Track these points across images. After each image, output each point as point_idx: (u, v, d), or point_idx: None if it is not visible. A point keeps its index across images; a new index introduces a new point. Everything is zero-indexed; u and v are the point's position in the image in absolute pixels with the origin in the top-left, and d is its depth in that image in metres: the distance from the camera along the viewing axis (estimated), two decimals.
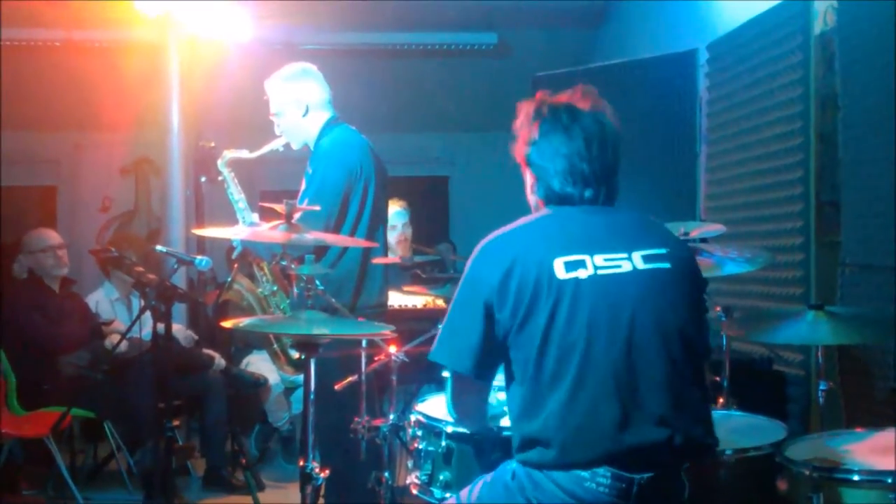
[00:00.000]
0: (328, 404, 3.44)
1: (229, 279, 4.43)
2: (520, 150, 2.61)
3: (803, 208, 4.83)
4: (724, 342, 3.75)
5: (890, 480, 2.61)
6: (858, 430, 3.18)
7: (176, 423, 5.54)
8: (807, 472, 2.72)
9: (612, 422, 2.30)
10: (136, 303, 6.11)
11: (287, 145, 4.32)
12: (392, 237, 5.87)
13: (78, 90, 8.26)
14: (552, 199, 2.55)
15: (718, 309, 3.74)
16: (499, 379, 2.56)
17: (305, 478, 3.18)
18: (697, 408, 2.43)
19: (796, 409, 4.85)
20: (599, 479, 2.30)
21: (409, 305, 5.39)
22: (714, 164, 5.95)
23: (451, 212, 9.92)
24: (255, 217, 4.34)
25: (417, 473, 3.08)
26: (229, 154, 4.38)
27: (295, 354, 4.20)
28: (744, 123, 5.47)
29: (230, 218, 4.42)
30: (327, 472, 3.19)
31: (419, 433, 3.11)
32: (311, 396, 3.23)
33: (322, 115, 4.28)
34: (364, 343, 3.47)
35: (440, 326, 2.55)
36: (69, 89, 8.30)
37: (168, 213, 7.64)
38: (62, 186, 9.89)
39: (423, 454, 3.08)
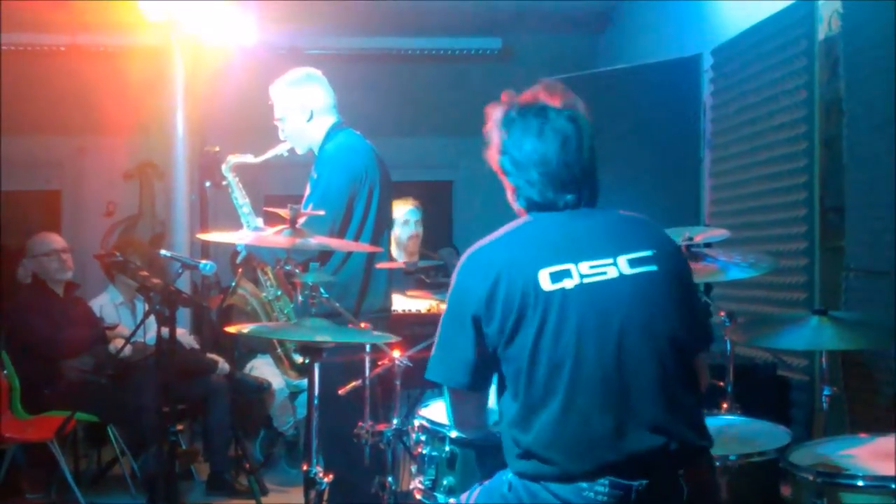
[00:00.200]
0: (332, 409, 3.45)
1: (233, 284, 4.44)
2: (493, 158, 2.57)
3: (807, 213, 4.83)
4: (728, 347, 3.74)
5: (893, 486, 2.60)
6: (862, 435, 3.18)
7: (179, 427, 5.54)
8: (810, 478, 2.72)
9: (607, 432, 2.29)
10: (141, 307, 6.11)
11: (292, 150, 4.33)
12: (405, 233, 5.97)
13: (82, 94, 8.26)
14: (533, 206, 2.52)
15: (722, 314, 3.74)
16: None
17: (309, 482, 3.19)
18: (691, 411, 2.42)
19: (800, 414, 4.84)
20: (598, 487, 2.28)
21: (413, 310, 5.39)
22: (718, 169, 5.94)
23: (455, 216, 9.92)
24: (260, 222, 4.35)
25: (421, 478, 3.08)
26: (234, 159, 4.39)
27: (299, 359, 4.21)
28: (748, 128, 5.47)
29: (234, 223, 4.43)
30: (331, 476, 3.20)
31: (423, 438, 3.11)
32: (315, 401, 3.24)
33: (327, 120, 4.28)
34: (368, 348, 3.47)
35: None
36: (73, 93, 8.30)
37: (172, 217, 7.64)
38: (66, 190, 9.89)
39: (426, 459, 3.07)
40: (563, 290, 2.33)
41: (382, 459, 3.44)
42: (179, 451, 5.20)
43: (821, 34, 4.77)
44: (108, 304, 6.19)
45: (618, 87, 6.73)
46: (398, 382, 3.49)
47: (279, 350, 4.30)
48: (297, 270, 3.94)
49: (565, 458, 2.30)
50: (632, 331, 2.34)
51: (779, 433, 3.23)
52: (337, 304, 3.60)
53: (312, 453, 3.21)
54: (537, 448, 2.33)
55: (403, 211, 5.98)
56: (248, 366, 6.64)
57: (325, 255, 4.06)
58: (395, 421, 3.41)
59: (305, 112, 4.24)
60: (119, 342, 5.64)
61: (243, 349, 6.74)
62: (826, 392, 3.41)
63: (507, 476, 2.46)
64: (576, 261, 2.37)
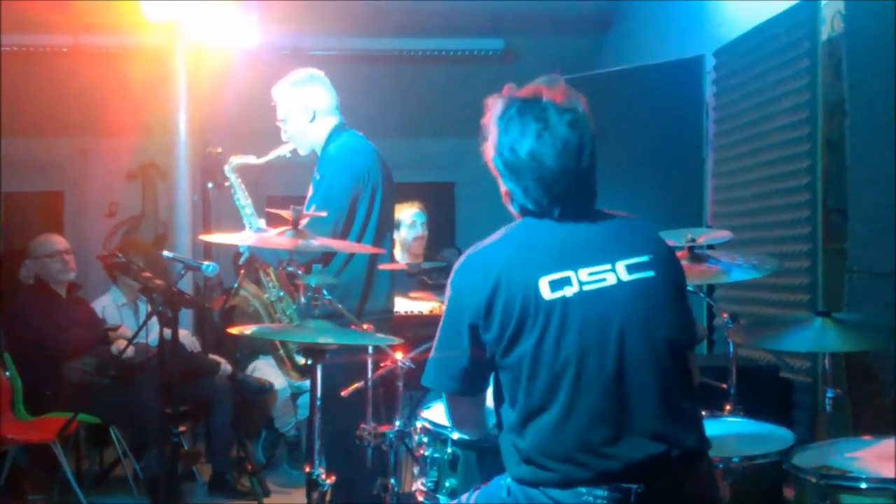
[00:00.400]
0: (334, 410, 3.45)
1: (236, 285, 4.44)
2: (488, 154, 2.50)
3: (810, 215, 4.83)
4: (731, 349, 3.74)
5: None
6: (866, 437, 3.17)
7: (182, 428, 5.55)
8: (814, 480, 2.71)
9: (607, 440, 2.28)
10: (143, 308, 6.12)
11: (294, 151, 4.33)
12: (411, 235, 6.00)
13: (85, 95, 8.27)
14: (529, 211, 2.47)
15: (725, 315, 3.73)
16: None
17: (311, 484, 3.19)
18: (690, 415, 2.41)
19: (803, 416, 4.84)
20: (597, 492, 2.28)
21: (416, 311, 5.39)
22: (721, 170, 5.94)
23: (457, 217, 9.92)
24: (262, 223, 4.35)
25: (423, 480, 3.08)
26: (236, 160, 4.39)
27: (301, 360, 4.21)
28: (750, 129, 5.46)
29: (237, 224, 4.43)
30: (333, 478, 3.20)
31: (425, 440, 3.12)
32: (318, 402, 3.24)
33: (329, 121, 4.28)
34: (370, 349, 3.46)
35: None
36: (76, 94, 8.31)
37: (175, 218, 7.65)
38: (69, 191, 9.90)
39: (428, 461, 3.08)
40: (563, 298, 2.31)
41: (385, 461, 3.44)
42: (182, 452, 5.20)
43: (824, 35, 4.77)
44: (110, 306, 6.19)
45: (620, 88, 6.72)
46: (400, 384, 3.49)
47: (281, 351, 4.29)
48: (299, 272, 3.94)
49: (565, 466, 2.29)
50: (632, 338, 2.32)
51: (782, 435, 3.23)
52: (339, 306, 3.59)
53: (315, 455, 3.21)
54: (536, 455, 2.32)
55: (409, 213, 6.00)
56: (251, 367, 6.64)
57: (327, 257, 4.06)
58: (397, 422, 3.41)
59: (308, 113, 4.23)
60: (121, 343, 5.64)
61: (245, 350, 6.74)
62: (829, 394, 3.40)
63: (505, 481, 2.45)
64: (575, 268, 2.35)
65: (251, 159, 4.37)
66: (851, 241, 4.46)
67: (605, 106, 6.55)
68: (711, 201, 6.10)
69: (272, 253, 4.11)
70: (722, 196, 5.92)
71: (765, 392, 4.65)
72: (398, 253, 6.17)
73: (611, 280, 2.36)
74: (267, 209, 4.08)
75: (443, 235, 6.98)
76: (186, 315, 7.11)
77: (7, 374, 5.57)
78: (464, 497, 2.66)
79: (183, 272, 4.64)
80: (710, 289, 5.44)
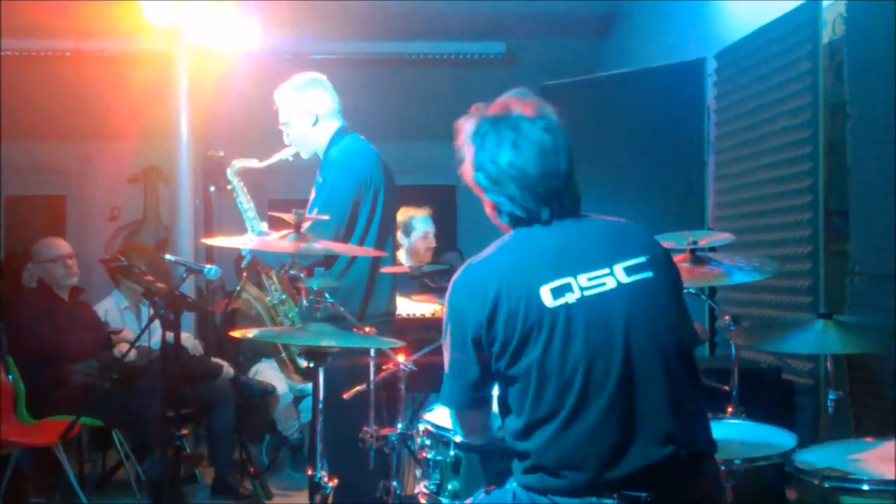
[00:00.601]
0: (336, 413, 3.45)
1: (238, 288, 4.44)
2: (467, 174, 2.50)
3: (812, 217, 4.83)
4: (733, 351, 3.74)
5: None
6: (868, 439, 3.17)
7: (184, 431, 5.54)
8: (816, 482, 2.71)
9: (617, 446, 2.28)
10: (145, 311, 6.12)
11: (296, 154, 4.33)
12: (423, 243, 6.17)
13: (87, 100, 8.29)
14: (518, 221, 2.46)
15: (727, 318, 3.73)
16: None
17: (314, 486, 3.19)
18: (697, 416, 2.41)
19: (805, 418, 4.84)
20: (607, 501, 2.28)
21: (418, 314, 5.40)
22: (722, 172, 5.94)
23: (459, 221, 9.93)
24: (264, 226, 4.36)
25: (426, 483, 3.08)
26: (238, 163, 4.39)
27: (303, 363, 4.21)
28: (752, 132, 5.46)
29: (239, 227, 4.43)
30: (335, 480, 3.20)
31: (427, 442, 3.11)
32: (320, 405, 3.24)
33: (332, 125, 4.28)
34: (372, 352, 3.47)
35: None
36: (78, 99, 8.33)
37: (177, 222, 7.65)
38: (71, 196, 9.92)
39: (431, 463, 3.08)
40: (566, 304, 2.31)
41: (387, 464, 3.44)
42: (184, 455, 5.21)
43: (825, 38, 4.77)
44: (112, 309, 6.19)
45: (621, 91, 6.73)
46: (403, 386, 3.49)
47: (283, 354, 4.29)
48: (301, 275, 3.95)
49: (574, 473, 2.29)
50: (637, 340, 2.32)
51: (784, 437, 3.23)
52: (342, 309, 3.60)
53: (317, 457, 3.21)
54: (545, 462, 2.32)
55: (422, 220, 6.09)
56: (253, 370, 6.64)
57: (329, 260, 4.07)
58: (399, 425, 3.42)
59: (311, 117, 4.24)
60: (124, 346, 5.65)
61: (248, 353, 6.74)
62: (831, 396, 3.40)
63: (511, 486, 2.46)
64: (574, 274, 2.35)
65: (253, 163, 4.37)
66: (853, 244, 4.46)
67: (606, 109, 6.64)
68: (713, 204, 6.10)
69: (274, 256, 4.11)
70: (723, 198, 5.92)
71: (767, 394, 4.66)
72: (404, 256, 6.19)
73: (610, 284, 2.36)
74: (269, 213, 4.09)
75: (444, 238, 6.97)
76: (188, 318, 7.12)
77: (10, 377, 5.57)
78: (468, 501, 2.66)
79: (185, 275, 4.64)
80: (712, 291, 5.44)
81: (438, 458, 3.05)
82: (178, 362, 4.57)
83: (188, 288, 6.81)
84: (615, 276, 2.37)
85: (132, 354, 5.52)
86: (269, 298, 4.34)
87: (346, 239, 4.04)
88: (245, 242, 4.07)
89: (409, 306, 5.27)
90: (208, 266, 4.56)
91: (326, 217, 3.79)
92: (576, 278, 2.34)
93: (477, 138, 2.46)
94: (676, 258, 3.40)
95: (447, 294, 2.46)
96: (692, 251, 3.59)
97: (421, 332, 4.62)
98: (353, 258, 4.10)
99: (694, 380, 2.43)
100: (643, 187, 6.27)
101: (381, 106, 7.88)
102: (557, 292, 2.32)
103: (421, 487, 3.11)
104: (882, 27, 4.19)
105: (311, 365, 3.22)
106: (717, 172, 6.04)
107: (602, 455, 2.28)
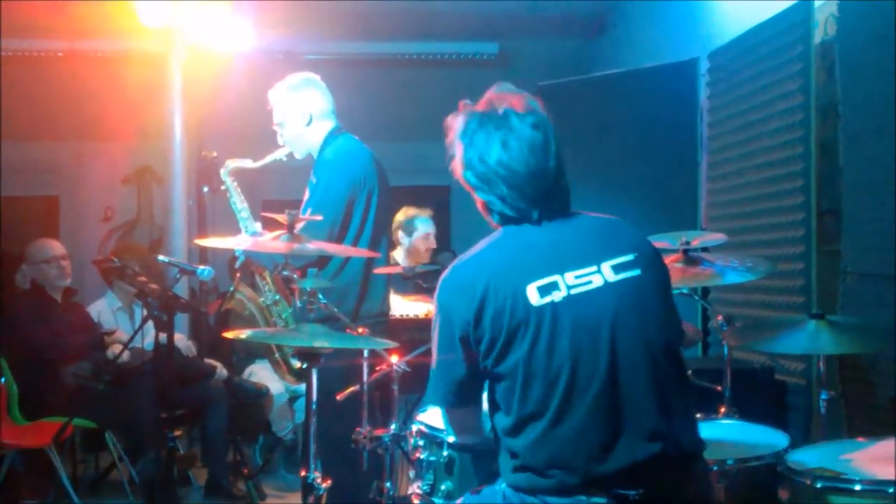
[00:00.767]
0: (330, 414, 3.45)
1: (231, 288, 4.44)
2: (458, 172, 2.49)
3: (804, 217, 4.84)
4: (726, 351, 3.74)
5: (891, 490, 2.60)
6: (860, 439, 3.17)
7: (177, 432, 5.54)
8: (808, 482, 2.72)
9: (605, 444, 2.28)
10: (139, 312, 6.11)
11: (290, 155, 4.33)
12: (423, 244, 6.23)
13: (80, 100, 8.28)
14: (506, 220, 2.46)
15: (720, 318, 3.73)
16: None
17: (307, 488, 3.19)
18: (685, 413, 2.41)
19: (798, 418, 4.84)
20: (596, 499, 2.28)
21: (411, 315, 5.40)
22: (715, 173, 5.95)
23: (452, 221, 9.92)
24: (258, 226, 4.35)
25: (419, 484, 3.08)
26: (232, 163, 4.39)
27: (297, 364, 4.21)
28: (745, 132, 5.47)
29: (232, 228, 4.43)
30: (329, 482, 3.20)
31: (421, 443, 3.12)
32: (313, 406, 3.24)
33: (325, 125, 4.28)
34: (366, 353, 3.47)
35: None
36: (72, 99, 8.32)
37: (170, 222, 7.65)
38: (64, 196, 9.90)
39: (424, 464, 3.08)
40: (552, 303, 2.31)
41: (380, 464, 3.44)
42: (177, 457, 5.21)
43: (817, 38, 4.78)
44: (106, 310, 6.18)
45: (615, 91, 6.74)
46: (396, 387, 3.50)
47: (277, 355, 4.29)
48: (294, 276, 3.95)
49: (563, 472, 2.29)
50: (624, 338, 2.32)
51: (776, 437, 3.23)
52: (335, 310, 3.60)
53: (310, 459, 3.21)
54: (534, 461, 2.32)
55: (424, 221, 6.13)
56: (247, 371, 6.64)
57: (323, 260, 4.06)
58: (393, 426, 3.41)
59: (304, 116, 4.24)
60: (117, 348, 5.64)
61: (241, 354, 6.74)
62: (823, 396, 3.41)
63: (500, 486, 2.45)
64: (561, 272, 2.34)
65: (247, 163, 4.37)
66: (845, 243, 4.47)
67: (599, 109, 6.65)
68: (706, 204, 6.11)
69: (268, 256, 4.11)
70: (716, 199, 5.93)
71: (759, 394, 4.66)
72: (403, 255, 6.20)
73: (597, 282, 2.35)
74: (262, 213, 4.09)
75: (438, 239, 6.98)
76: (182, 319, 7.12)
77: (2, 379, 5.56)
78: (458, 501, 2.66)
79: (178, 276, 4.64)
80: (705, 291, 5.45)
81: (432, 458, 3.05)
82: (172, 363, 4.57)
83: (181, 289, 6.81)
84: (602, 274, 2.36)
85: (125, 356, 5.52)
86: (262, 299, 4.34)
87: (339, 239, 4.04)
88: (238, 243, 4.07)
89: (403, 307, 5.28)
90: (201, 267, 4.56)
91: (319, 218, 3.79)
92: (563, 276, 2.34)
93: (466, 136, 2.46)
94: (669, 258, 3.42)
95: (436, 292, 2.46)
96: (685, 251, 3.59)
97: (414, 333, 4.61)
98: (347, 259, 4.10)
99: (681, 379, 2.43)
100: (636, 187, 6.28)
101: (375, 106, 7.87)
102: (544, 290, 2.32)
103: (414, 488, 3.11)
104: (874, 27, 4.20)
105: (304, 366, 3.22)
106: (709, 172, 6.05)
107: (589, 453, 2.28)
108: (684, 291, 3.74)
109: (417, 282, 5.19)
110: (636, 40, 7.84)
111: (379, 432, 3.40)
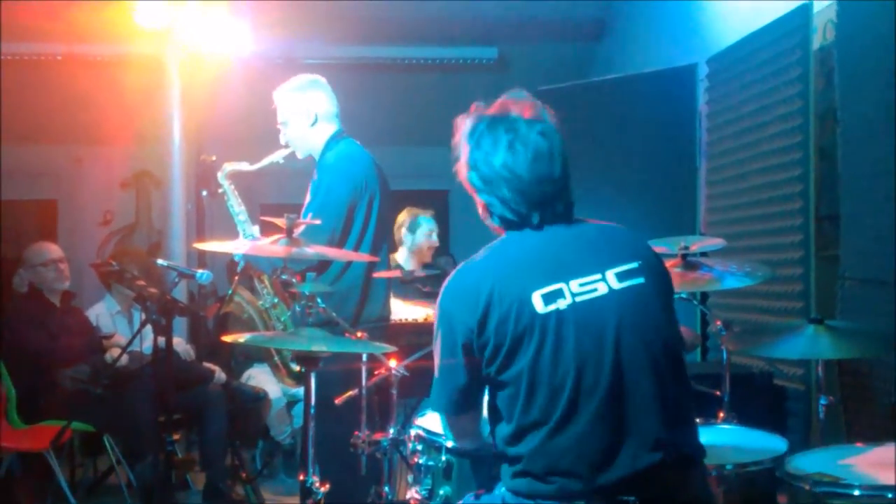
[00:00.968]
0: (328, 418, 3.44)
1: (230, 292, 4.44)
2: (462, 172, 2.50)
3: (803, 222, 4.84)
4: (724, 356, 3.74)
5: (891, 495, 2.60)
6: (859, 444, 3.17)
7: (176, 436, 5.53)
8: (807, 487, 2.71)
9: (607, 452, 2.28)
10: (137, 316, 6.10)
11: (287, 157, 4.32)
12: (427, 242, 6.20)
13: (79, 104, 8.27)
14: (508, 224, 2.47)
15: (719, 323, 3.73)
16: None
17: (305, 492, 3.18)
18: (687, 423, 2.42)
19: (797, 423, 4.85)
20: None
21: (410, 319, 5.39)
22: (714, 178, 5.96)
23: (451, 225, 9.92)
24: (256, 230, 4.35)
25: (417, 488, 3.08)
26: (229, 166, 4.39)
27: (296, 367, 4.21)
28: (743, 138, 5.48)
29: (231, 232, 4.43)
30: (327, 486, 3.19)
31: (419, 448, 3.11)
32: (312, 410, 3.23)
33: (329, 128, 4.28)
34: (364, 357, 3.46)
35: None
36: (70, 103, 8.31)
37: (169, 226, 7.65)
38: (62, 200, 9.89)
39: (423, 469, 3.07)
40: (557, 310, 2.31)
41: (379, 469, 3.43)
42: (175, 461, 5.20)
43: (815, 43, 4.79)
44: (104, 314, 6.17)
45: (614, 96, 6.75)
46: (395, 391, 3.49)
47: (276, 358, 4.29)
48: (293, 280, 3.94)
49: (564, 478, 2.29)
50: (628, 346, 2.32)
51: (775, 442, 3.23)
52: (333, 314, 3.60)
53: (309, 463, 3.20)
54: (534, 467, 2.32)
55: (428, 220, 6.13)
56: (245, 375, 6.63)
57: (324, 264, 4.06)
58: (391, 430, 3.41)
59: (310, 116, 4.23)
60: (115, 351, 5.63)
61: (240, 358, 6.73)
62: (822, 401, 3.40)
63: (500, 491, 2.46)
64: (566, 279, 2.34)
65: (244, 166, 4.36)
66: (844, 249, 4.48)
67: (598, 114, 6.65)
68: (704, 209, 6.11)
69: (266, 260, 4.11)
70: (715, 204, 5.93)
71: (758, 399, 4.66)
72: (406, 254, 6.21)
73: (602, 289, 2.35)
74: (261, 217, 4.09)
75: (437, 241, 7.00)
76: (180, 323, 7.11)
77: (1, 382, 5.56)
78: None
79: (177, 280, 4.64)
80: (704, 296, 5.45)
81: (430, 463, 3.05)
82: (170, 367, 4.56)
83: (180, 293, 6.80)
84: (607, 282, 2.36)
85: (124, 359, 5.50)
86: (261, 302, 4.34)
87: (340, 244, 4.04)
88: (237, 247, 4.07)
89: (402, 311, 5.27)
90: (200, 271, 4.56)
91: (318, 222, 3.79)
92: (567, 284, 2.34)
93: (473, 137, 2.46)
94: (668, 263, 3.40)
95: (438, 298, 2.46)
96: (684, 256, 3.60)
97: (413, 337, 4.60)
98: (348, 263, 4.10)
99: (683, 386, 2.43)
100: (635, 192, 6.29)
101: (373, 110, 7.87)
102: (549, 298, 2.32)
103: (412, 493, 3.11)
104: (872, 33, 4.20)
105: (303, 370, 3.22)
106: (708, 178, 6.05)
107: (591, 461, 2.28)
108: (683, 296, 3.74)
109: (417, 286, 5.20)
110: (635, 45, 7.85)
111: (377, 436, 3.40)
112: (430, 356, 2.56)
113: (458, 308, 2.39)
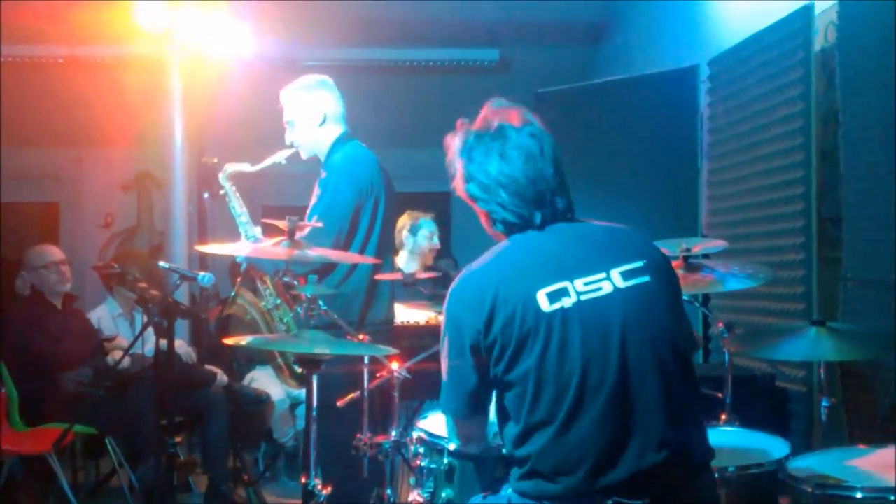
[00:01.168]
0: (331, 421, 3.44)
1: (233, 294, 4.43)
2: (459, 188, 2.52)
3: (805, 224, 4.84)
4: (726, 358, 3.74)
5: (893, 497, 2.60)
6: (861, 446, 3.18)
7: (178, 439, 5.53)
8: (809, 489, 2.72)
9: (613, 451, 2.28)
10: (139, 319, 6.10)
11: (289, 159, 4.31)
12: (428, 244, 6.23)
13: (80, 106, 8.28)
14: (511, 228, 2.48)
15: (721, 325, 3.73)
16: None
17: (307, 495, 3.19)
18: (694, 422, 2.42)
19: (798, 425, 4.84)
20: None
21: (412, 322, 5.39)
22: (715, 179, 5.95)
23: (453, 227, 9.93)
24: (258, 231, 4.34)
25: (419, 491, 3.08)
26: (231, 167, 4.38)
27: (299, 369, 4.20)
28: (745, 139, 5.48)
29: (233, 234, 4.42)
30: (329, 488, 3.20)
31: (421, 450, 3.11)
32: (314, 413, 3.24)
33: (336, 129, 4.28)
34: (366, 359, 3.46)
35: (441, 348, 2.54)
36: (71, 105, 8.32)
37: (170, 228, 7.64)
38: (64, 202, 9.91)
39: (425, 471, 3.07)
40: (562, 309, 2.31)
41: (381, 471, 3.44)
42: (177, 463, 5.20)
43: (817, 45, 4.79)
44: (106, 316, 6.17)
45: (615, 98, 6.75)
46: (397, 394, 3.49)
47: (280, 360, 4.29)
48: (294, 282, 3.94)
49: (569, 478, 2.29)
50: (634, 345, 2.32)
51: (777, 444, 3.23)
52: (335, 316, 3.60)
53: (311, 465, 3.21)
54: (541, 467, 2.32)
55: (429, 223, 6.13)
56: (248, 377, 6.63)
57: (329, 267, 4.05)
58: (393, 433, 3.41)
59: (318, 116, 4.23)
60: (117, 354, 5.63)
61: (242, 360, 6.73)
62: (824, 403, 3.40)
63: (506, 492, 2.46)
64: (570, 278, 2.35)
65: (245, 167, 4.36)
66: (846, 250, 4.47)
67: (599, 116, 6.65)
68: (706, 211, 6.11)
69: (269, 261, 4.10)
70: (717, 205, 5.93)
71: (760, 401, 4.66)
72: (407, 257, 6.21)
73: (607, 288, 2.36)
74: (262, 219, 4.08)
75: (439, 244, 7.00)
76: (182, 325, 7.10)
77: (2, 385, 5.56)
78: None
79: (179, 282, 4.63)
80: (706, 298, 5.44)
81: (432, 465, 3.05)
82: (172, 370, 4.55)
83: (182, 295, 6.80)
84: (612, 281, 2.37)
85: (126, 362, 5.50)
86: (263, 303, 4.34)
87: (346, 246, 4.04)
88: (238, 249, 4.07)
89: (403, 313, 5.27)
90: (202, 273, 4.56)
91: (320, 225, 3.79)
92: (572, 283, 2.34)
93: (464, 152, 2.50)
94: None
95: (445, 303, 2.47)
96: (685, 258, 3.60)
97: (414, 340, 4.62)
98: (354, 266, 4.10)
99: (691, 386, 2.43)
100: (637, 194, 6.28)
101: (374, 112, 7.85)
102: (554, 297, 2.32)
103: (415, 495, 3.11)
104: (874, 34, 4.20)
105: (305, 372, 3.22)
106: (710, 179, 6.05)
107: (596, 460, 2.28)
108: (685, 298, 3.74)
109: (418, 288, 5.19)
110: (636, 47, 7.85)
111: (379, 439, 3.40)
112: (431, 358, 2.56)
113: (465, 311, 2.40)
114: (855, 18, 4.40)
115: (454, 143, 2.53)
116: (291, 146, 4.29)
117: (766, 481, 3.01)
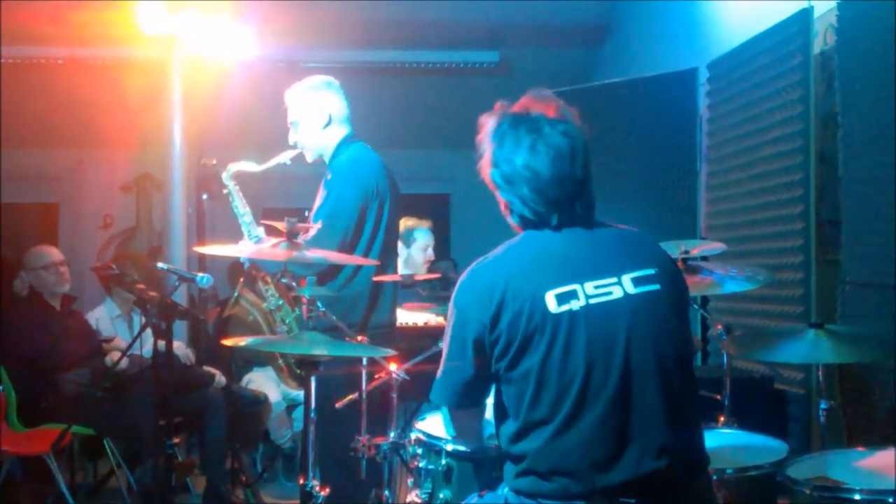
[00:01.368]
0: (329, 422, 3.44)
1: (235, 294, 4.43)
2: (485, 170, 2.51)
3: (804, 227, 4.84)
4: (725, 360, 3.74)
5: (891, 500, 2.60)
6: (859, 448, 3.17)
7: (176, 440, 5.52)
8: (808, 492, 2.71)
9: (611, 454, 2.28)
10: (137, 320, 6.10)
11: (294, 160, 4.30)
12: (421, 255, 6.18)
13: (80, 107, 8.28)
14: (527, 223, 2.47)
15: (719, 327, 3.73)
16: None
17: (305, 496, 3.18)
18: (694, 429, 2.42)
19: (797, 427, 4.84)
20: None
21: (410, 323, 5.39)
22: (714, 182, 5.96)
23: (452, 229, 9.92)
24: (261, 231, 4.33)
25: (417, 492, 3.08)
26: (235, 167, 4.35)
27: (299, 370, 4.20)
28: (744, 142, 5.48)
29: (232, 235, 4.42)
30: (327, 490, 3.19)
31: (419, 451, 3.11)
32: (312, 414, 3.23)
33: (341, 130, 4.26)
34: (365, 361, 3.46)
35: (441, 344, 2.54)
36: (71, 106, 8.32)
37: (169, 230, 7.64)
38: (64, 203, 9.91)
39: (423, 472, 3.07)
40: (570, 311, 2.31)
41: (379, 473, 3.43)
42: (176, 464, 5.18)
43: (816, 48, 4.79)
44: (104, 317, 6.17)
45: (615, 100, 6.75)
46: (395, 395, 3.49)
47: (280, 361, 4.29)
48: (293, 284, 3.94)
49: (566, 479, 2.29)
50: (638, 351, 2.32)
51: (776, 447, 3.23)
52: (334, 318, 3.59)
53: (309, 466, 3.20)
54: (538, 466, 2.32)
55: (423, 232, 6.14)
56: (245, 379, 6.63)
57: (333, 270, 4.04)
58: (391, 434, 3.41)
59: (323, 117, 4.21)
60: (115, 355, 5.63)
61: (240, 362, 6.73)
62: (823, 405, 3.40)
63: (503, 491, 2.46)
64: (581, 281, 2.34)
65: (251, 166, 4.32)
66: (845, 253, 4.48)
67: (599, 118, 6.65)
68: (705, 213, 6.11)
69: (273, 261, 4.09)
70: (715, 208, 5.93)
71: (759, 403, 4.66)
72: (401, 268, 6.20)
73: (617, 293, 2.35)
74: (263, 221, 4.08)
75: (438, 247, 6.98)
76: (181, 327, 7.10)
77: (1, 386, 5.55)
78: None
79: (177, 284, 4.63)
80: (704, 300, 5.44)
81: (430, 466, 3.05)
82: (170, 371, 4.55)
83: (180, 296, 6.80)
84: (622, 286, 2.36)
85: (124, 363, 5.50)
86: (265, 304, 4.33)
87: (351, 249, 4.03)
88: (238, 251, 4.06)
89: (402, 315, 5.27)
90: (200, 275, 4.55)
91: (318, 226, 3.79)
92: (582, 286, 2.34)
93: (496, 136, 2.47)
94: None
95: (453, 293, 2.46)
96: (684, 260, 3.60)
97: (413, 341, 4.61)
98: (358, 268, 4.09)
99: (692, 394, 2.44)
100: (636, 196, 6.29)
101: (375, 114, 7.84)
102: (562, 298, 2.32)
103: (413, 496, 3.11)
104: (873, 37, 4.20)
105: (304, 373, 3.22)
106: (709, 182, 6.06)
107: (594, 462, 2.28)
108: None
109: (417, 290, 5.19)
110: (636, 49, 7.86)
111: (378, 440, 3.40)
112: (430, 360, 2.56)
113: (472, 304, 2.39)
114: (854, 21, 4.41)
115: (488, 123, 2.50)
116: (295, 147, 4.28)
117: (765, 483, 3.01)
